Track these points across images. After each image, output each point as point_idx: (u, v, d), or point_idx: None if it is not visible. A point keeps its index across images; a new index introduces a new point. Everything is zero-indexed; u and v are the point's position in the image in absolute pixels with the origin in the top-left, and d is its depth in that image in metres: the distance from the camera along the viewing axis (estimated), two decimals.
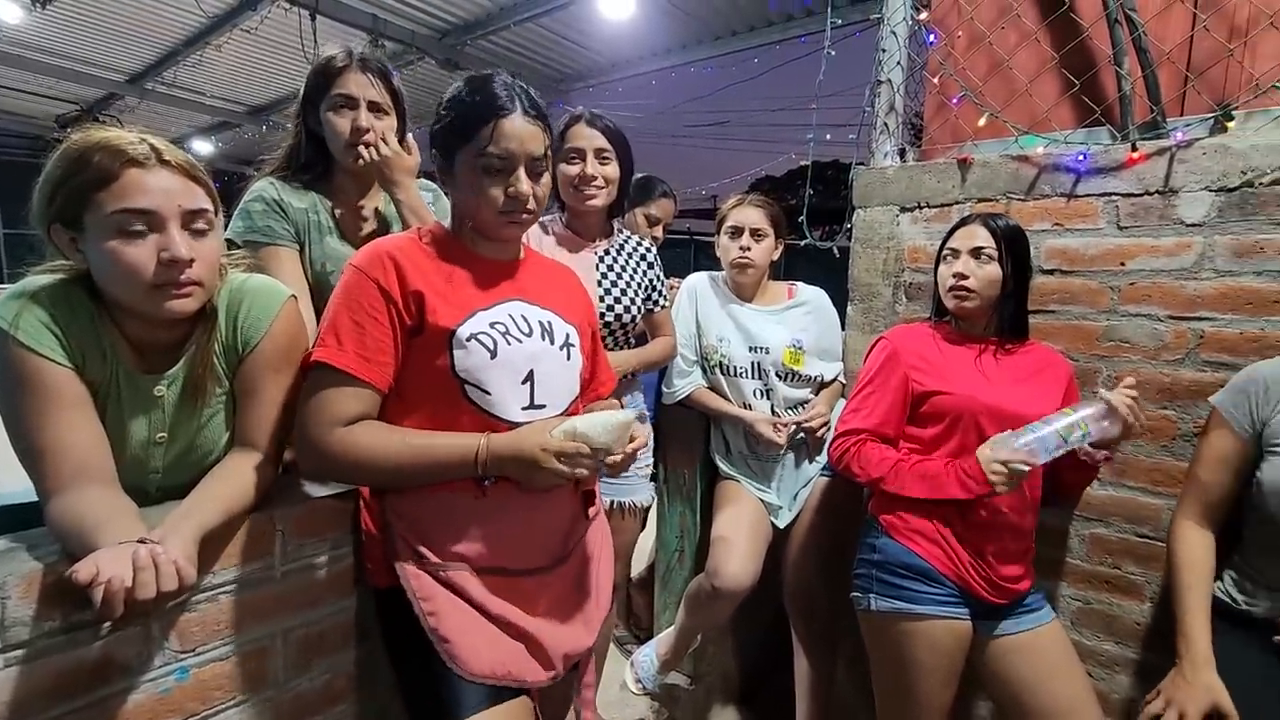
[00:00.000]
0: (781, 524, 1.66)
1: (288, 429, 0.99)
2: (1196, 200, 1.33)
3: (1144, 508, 1.40)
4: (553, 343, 1.02)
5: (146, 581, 0.73)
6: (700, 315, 1.75)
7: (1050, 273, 1.48)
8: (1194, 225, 1.33)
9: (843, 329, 1.78)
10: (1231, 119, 1.32)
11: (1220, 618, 1.14)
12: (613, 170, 1.51)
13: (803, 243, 2.02)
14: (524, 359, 0.98)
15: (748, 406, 1.68)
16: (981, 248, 1.32)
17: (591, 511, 1.13)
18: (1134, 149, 1.37)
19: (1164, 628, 1.36)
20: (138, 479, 0.94)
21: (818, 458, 1.67)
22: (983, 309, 1.34)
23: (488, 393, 0.95)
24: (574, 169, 1.49)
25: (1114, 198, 1.41)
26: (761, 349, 1.67)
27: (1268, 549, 1.13)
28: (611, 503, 1.57)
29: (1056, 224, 1.47)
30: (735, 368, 1.69)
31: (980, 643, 1.29)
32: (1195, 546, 1.19)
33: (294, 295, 1.03)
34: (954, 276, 1.33)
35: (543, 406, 1.00)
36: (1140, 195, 1.38)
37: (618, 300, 1.53)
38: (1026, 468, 1.16)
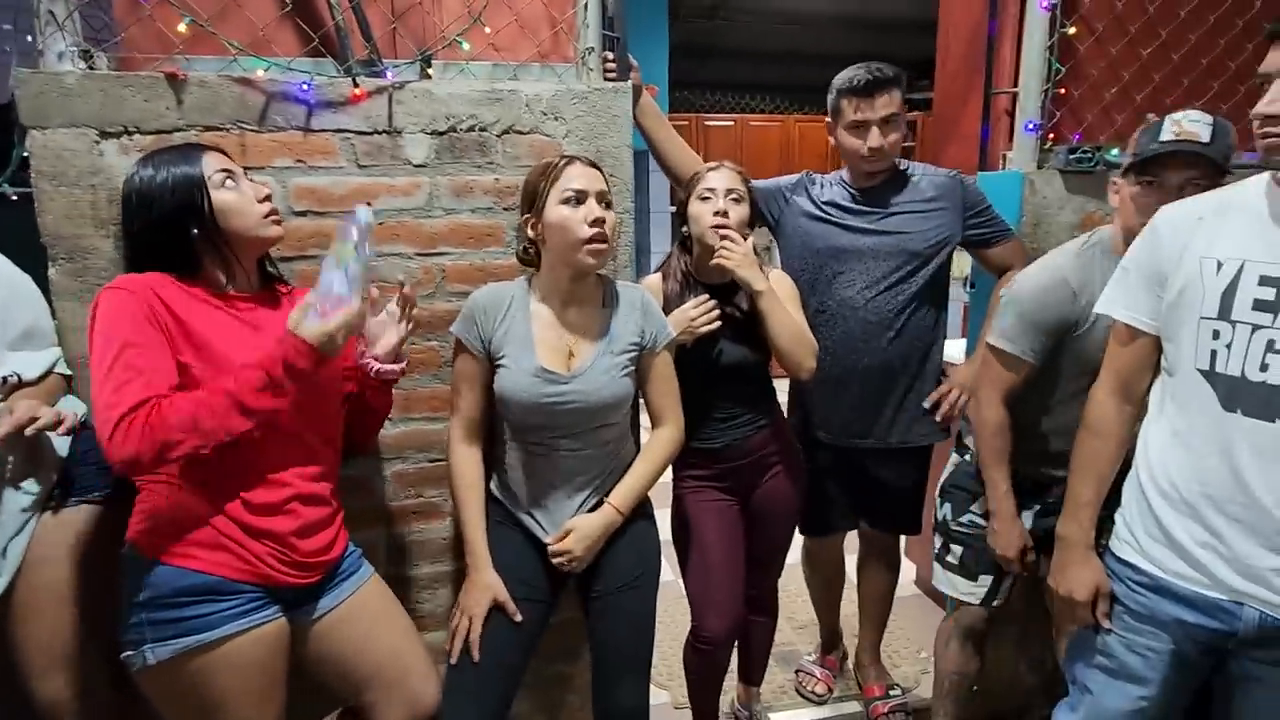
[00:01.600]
0: None
1: None
2: (417, 142, 1.40)
3: (429, 434, 1.50)
4: None
5: None
6: None
7: (303, 214, 1.37)
8: (420, 166, 1.41)
9: (50, 303, 1.28)
10: (431, 65, 1.42)
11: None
12: None
13: None
14: None
15: None
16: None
17: None
18: (355, 85, 1.35)
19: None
20: None
21: (30, 492, 1.18)
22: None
23: None
24: None
25: (349, 135, 1.37)
26: None
27: (509, 460, 1.34)
28: None
29: (299, 160, 1.35)
30: None
31: (301, 634, 1.15)
32: (465, 459, 1.32)
33: None
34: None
35: None
36: (371, 134, 1.38)
37: None
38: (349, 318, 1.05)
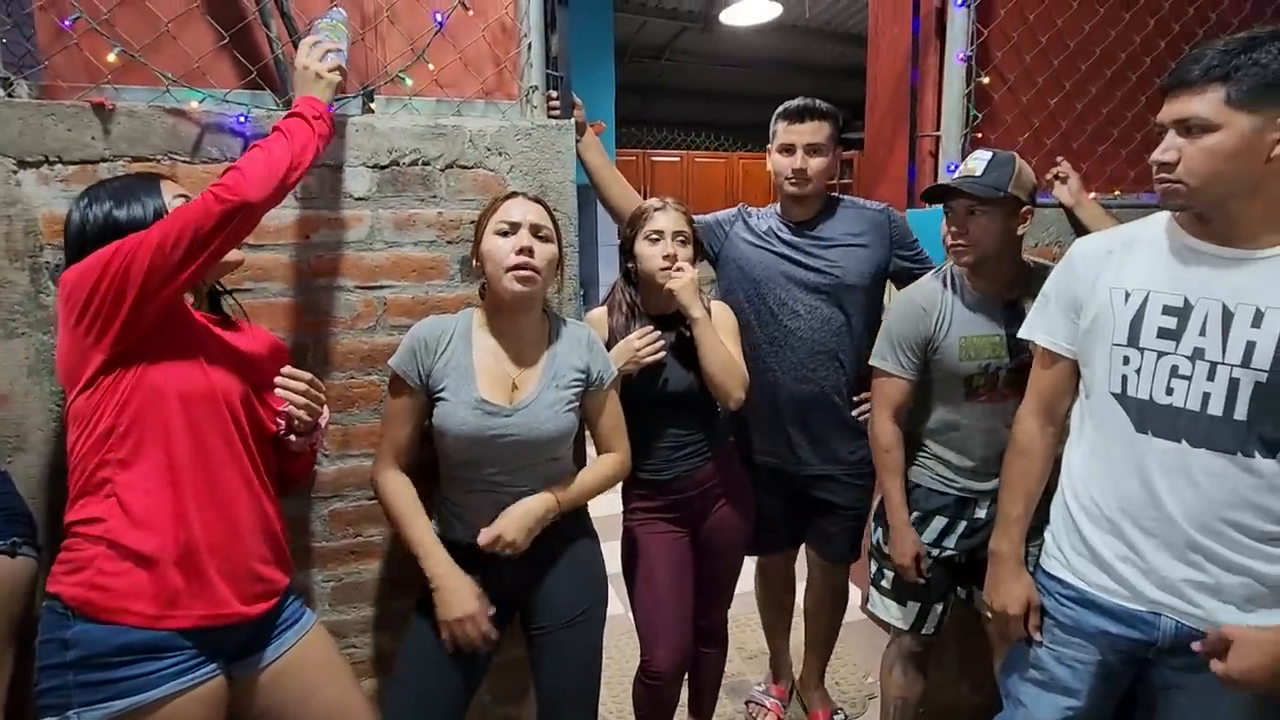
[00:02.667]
0: None
1: None
2: (359, 175, 1.39)
3: (368, 471, 1.45)
4: None
5: None
6: None
7: (239, 247, 1.33)
8: (362, 199, 1.40)
9: None
10: (373, 100, 1.42)
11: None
12: None
13: None
14: None
15: None
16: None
17: None
18: None
19: (407, 574, 1.48)
20: None
21: None
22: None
23: None
24: None
25: None
26: None
27: (449, 503, 1.32)
28: None
29: None
30: None
31: (242, 687, 1.09)
32: (394, 479, 1.28)
33: None
34: None
35: None
36: (314, 167, 1.36)
37: None
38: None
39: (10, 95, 1.24)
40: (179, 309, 1.07)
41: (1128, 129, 2.02)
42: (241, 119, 1.30)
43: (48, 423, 1.26)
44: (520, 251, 1.22)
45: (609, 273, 5.31)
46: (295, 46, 1.37)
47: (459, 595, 1.21)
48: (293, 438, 1.16)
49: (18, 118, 1.20)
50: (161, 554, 1.00)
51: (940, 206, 1.84)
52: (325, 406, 1.18)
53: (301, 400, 1.12)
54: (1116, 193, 2.03)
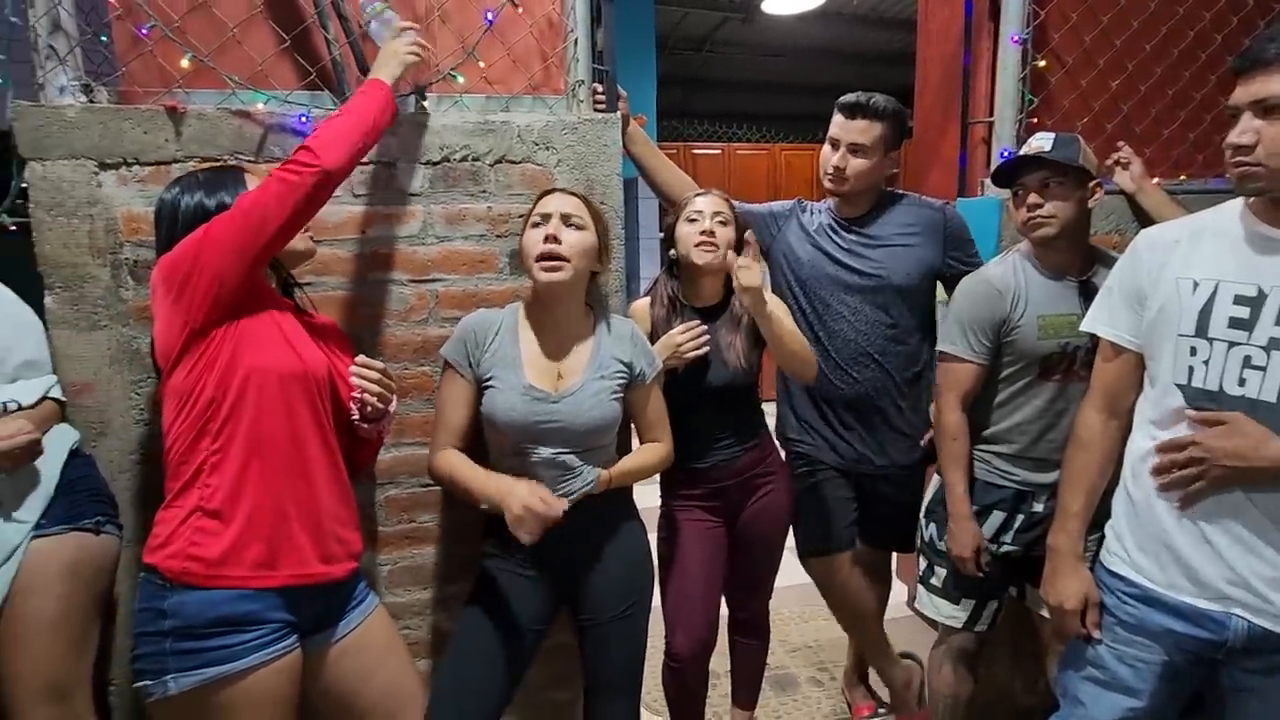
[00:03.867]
0: None
1: None
2: (413, 172, 1.43)
3: (422, 459, 1.49)
4: None
5: None
6: None
7: None
8: (415, 195, 1.44)
9: (46, 330, 1.29)
10: (426, 99, 1.46)
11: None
12: None
13: None
14: None
15: None
16: None
17: None
18: None
19: (459, 559, 1.53)
20: None
21: (19, 519, 1.17)
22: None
23: None
24: None
25: None
26: None
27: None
28: None
29: None
30: None
31: (313, 661, 1.14)
32: (450, 453, 1.28)
33: None
34: None
35: None
36: (367, 164, 1.41)
37: None
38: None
39: (91, 101, 1.31)
40: (267, 294, 1.14)
41: (1196, 111, 1.93)
42: (303, 119, 1.35)
43: (128, 410, 1.34)
44: (547, 239, 1.24)
45: (650, 266, 5.32)
46: (351, 48, 1.42)
47: (519, 486, 1.17)
48: (365, 425, 1.21)
49: (98, 122, 1.28)
50: (253, 521, 1.06)
51: (995, 197, 1.80)
52: (394, 395, 1.23)
53: (375, 388, 1.17)
54: (1182, 178, 1.94)
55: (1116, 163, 1.73)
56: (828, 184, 1.65)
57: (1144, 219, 1.73)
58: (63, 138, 1.26)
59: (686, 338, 1.45)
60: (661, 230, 5.38)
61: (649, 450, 1.40)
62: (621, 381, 1.33)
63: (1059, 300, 1.44)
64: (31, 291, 1.29)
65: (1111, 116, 1.90)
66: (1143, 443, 1.14)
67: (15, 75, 1.34)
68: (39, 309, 1.29)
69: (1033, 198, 1.40)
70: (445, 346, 1.32)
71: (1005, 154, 1.78)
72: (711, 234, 1.46)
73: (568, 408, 1.27)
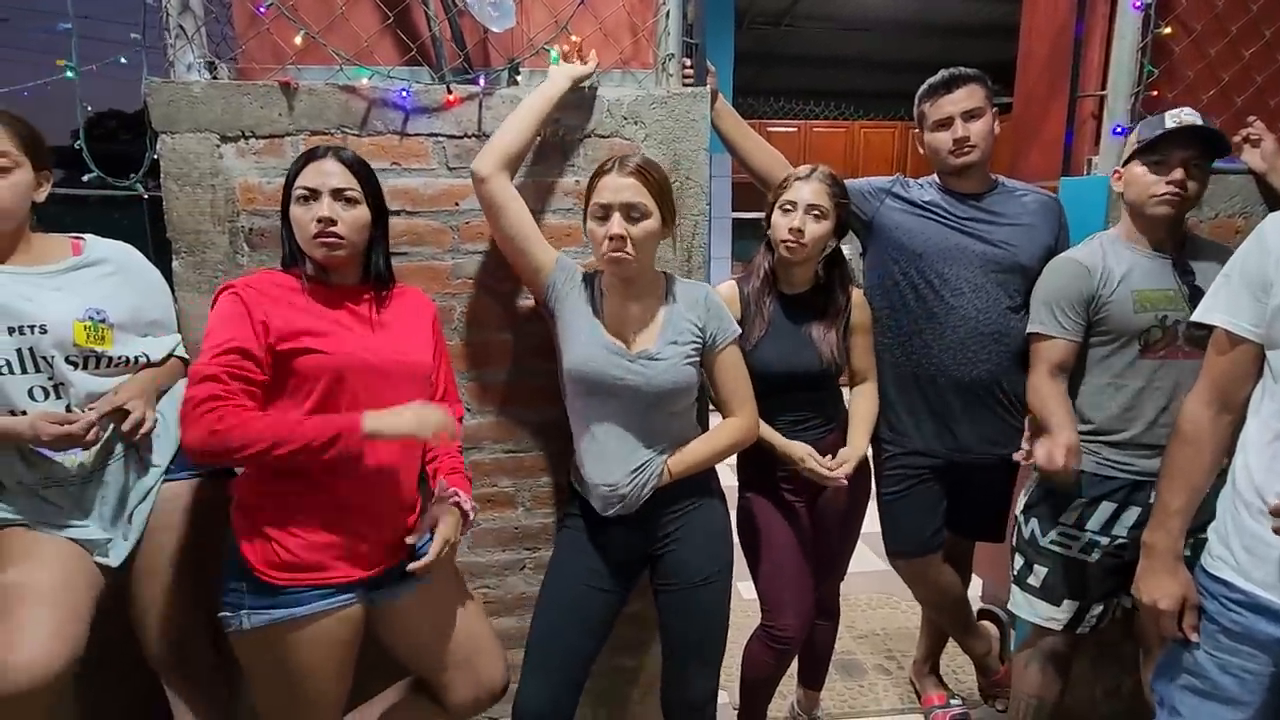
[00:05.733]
0: (116, 561, 1.24)
1: None
2: None
3: (504, 426, 1.56)
4: None
5: None
6: None
7: (396, 214, 1.45)
8: None
9: (172, 292, 1.40)
10: (519, 73, 1.49)
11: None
12: None
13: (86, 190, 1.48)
14: None
15: (20, 412, 1.16)
16: (342, 189, 1.17)
17: None
18: (449, 91, 1.42)
19: (535, 526, 1.58)
20: None
21: (154, 463, 1.29)
22: (353, 256, 1.22)
23: None
24: None
25: (441, 139, 1.45)
26: (30, 328, 1.16)
27: (578, 436, 1.37)
28: None
29: (395, 163, 1.44)
30: None
31: (377, 615, 1.22)
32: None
33: None
34: (317, 222, 1.15)
35: None
36: (462, 138, 1.45)
37: None
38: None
39: (215, 77, 1.40)
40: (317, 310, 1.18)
41: None
42: (403, 94, 1.40)
43: None
44: (612, 238, 1.23)
45: (721, 246, 5.26)
46: (451, 24, 1.45)
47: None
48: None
49: (221, 97, 1.36)
50: (311, 522, 1.14)
51: (1103, 176, 1.70)
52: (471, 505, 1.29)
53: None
54: None
55: (1246, 139, 1.60)
56: (956, 161, 1.57)
57: (1274, 201, 1.59)
58: (189, 112, 1.35)
59: (824, 473, 1.46)
60: (735, 209, 5.32)
61: (722, 432, 1.37)
62: (695, 346, 1.32)
63: (1155, 276, 1.41)
64: (153, 258, 1.39)
65: (1242, 88, 1.74)
66: (1257, 440, 1.07)
67: (147, 56, 1.44)
68: (166, 273, 1.40)
69: (1178, 173, 1.35)
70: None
71: (1118, 130, 1.67)
72: (800, 233, 1.43)
73: (641, 368, 1.27)
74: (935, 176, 1.67)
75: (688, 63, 1.53)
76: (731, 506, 1.50)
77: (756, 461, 1.55)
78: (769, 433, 1.48)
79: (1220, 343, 1.13)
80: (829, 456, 1.51)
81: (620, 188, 1.24)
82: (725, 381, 1.37)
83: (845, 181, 1.58)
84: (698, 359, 1.33)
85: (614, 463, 1.29)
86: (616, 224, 1.24)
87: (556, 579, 1.37)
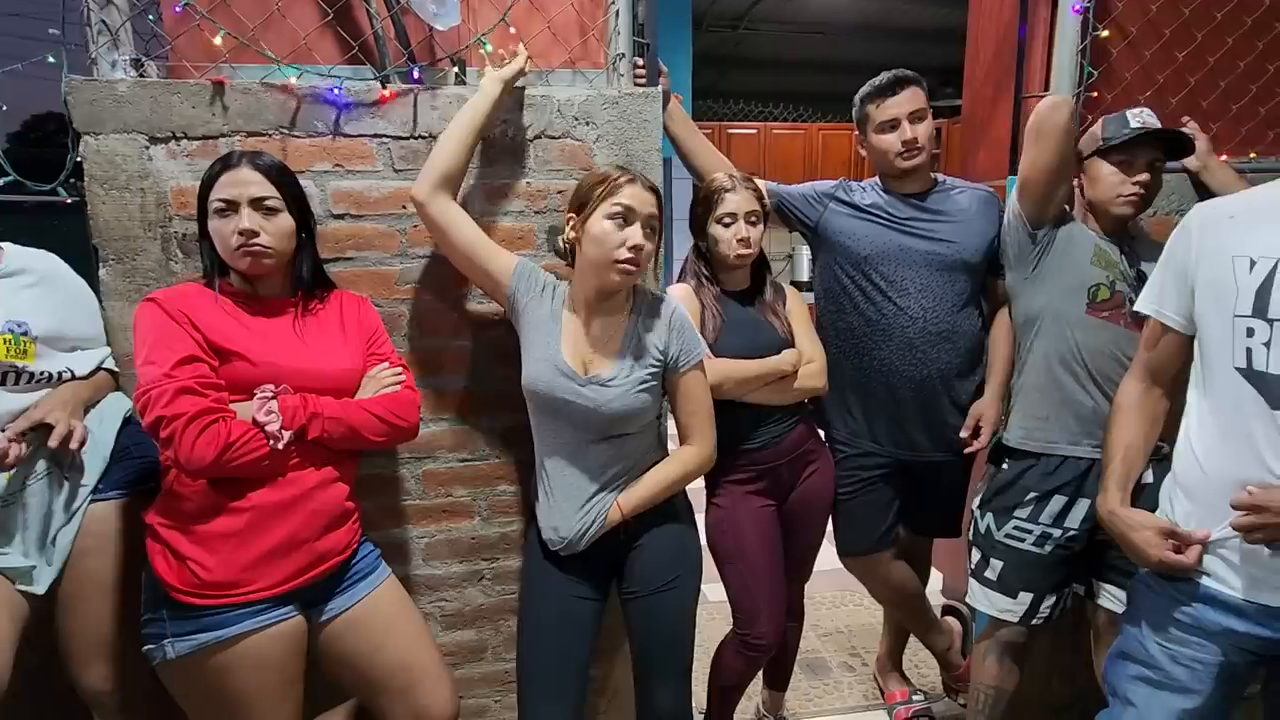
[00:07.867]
0: (42, 588, 1.17)
1: None
2: None
3: (460, 435, 1.51)
4: None
5: None
6: None
7: (341, 217, 1.40)
8: None
9: (100, 302, 1.33)
10: (464, 71, 1.45)
11: None
12: None
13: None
14: None
15: None
16: (262, 198, 1.13)
17: None
18: (384, 86, 1.38)
19: (494, 534, 1.55)
20: None
21: (81, 482, 1.22)
22: (279, 265, 1.17)
23: None
24: None
25: (385, 140, 1.40)
26: None
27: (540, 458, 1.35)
28: None
29: (338, 165, 1.39)
30: None
31: (315, 630, 1.17)
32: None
33: None
34: (239, 234, 1.11)
35: None
36: (407, 139, 1.41)
37: None
38: None
39: (141, 75, 1.33)
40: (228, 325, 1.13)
41: (1269, 84, 1.82)
42: (335, 90, 1.35)
43: None
44: (633, 248, 1.20)
45: (683, 246, 5.25)
46: (393, 21, 1.41)
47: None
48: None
49: (149, 96, 1.29)
50: (230, 536, 1.08)
51: None
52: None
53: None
54: (1252, 155, 1.84)
55: None
56: (904, 163, 1.58)
57: (1209, 199, 1.65)
58: (115, 112, 1.29)
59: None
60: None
61: (675, 462, 1.33)
62: (654, 370, 1.28)
63: (1111, 250, 1.47)
64: (80, 266, 1.32)
65: (1176, 90, 1.80)
66: (1197, 433, 1.09)
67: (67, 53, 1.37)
68: (91, 281, 1.32)
69: (1144, 175, 1.41)
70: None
71: None
72: (747, 241, 1.48)
73: (592, 393, 1.23)
74: (877, 179, 1.68)
75: (639, 63, 1.51)
76: (700, 512, 1.48)
77: (730, 466, 1.53)
78: (743, 365, 1.46)
79: (1152, 329, 1.18)
80: (811, 441, 1.60)
81: (645, 200, 1.23)
82: (684, 406, 1.33)
83: (791, 188, 1.66)
84: (656, 384, 1.29)
85: (562, 500, 1.28)
86: (640, 234, 1.21)
87: (537, 599, 1.33)
